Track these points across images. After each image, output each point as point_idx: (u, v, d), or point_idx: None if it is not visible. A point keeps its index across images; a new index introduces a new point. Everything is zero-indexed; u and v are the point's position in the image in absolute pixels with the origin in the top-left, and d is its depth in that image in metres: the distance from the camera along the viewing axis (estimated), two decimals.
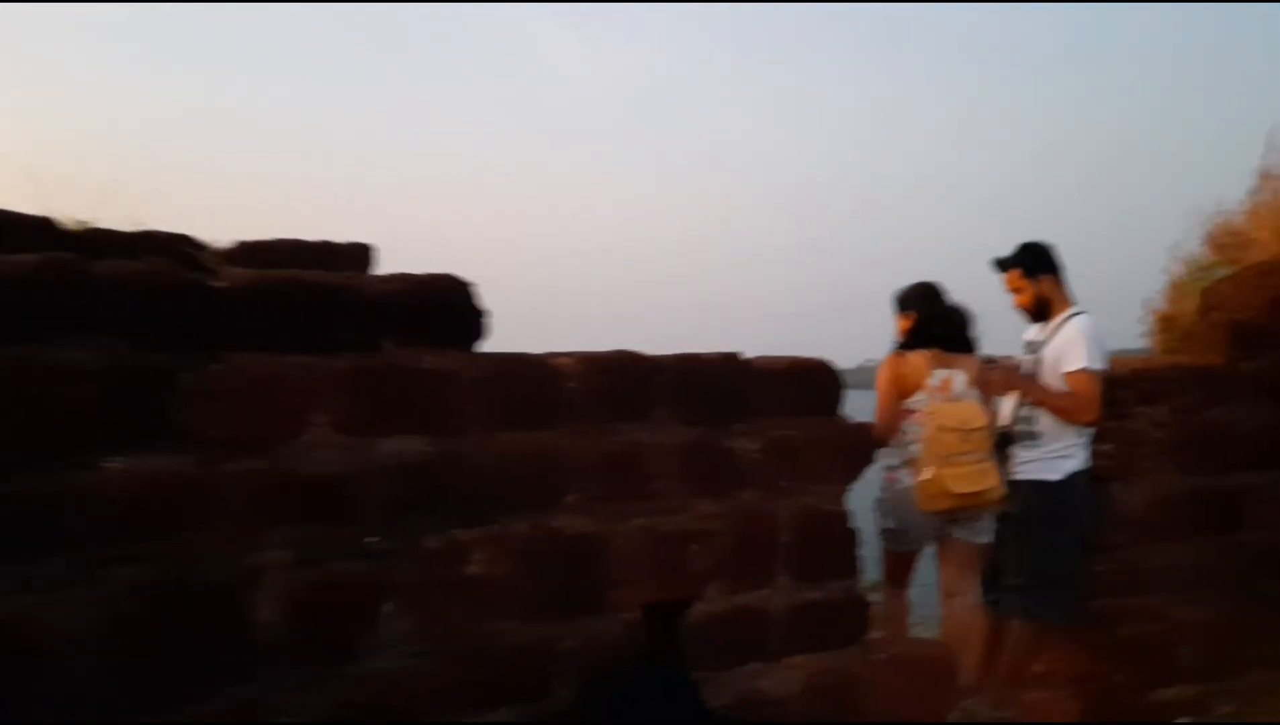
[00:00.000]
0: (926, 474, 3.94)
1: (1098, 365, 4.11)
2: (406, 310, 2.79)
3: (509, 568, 3.00)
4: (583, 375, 3.18)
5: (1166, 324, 5.03)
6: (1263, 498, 4.63)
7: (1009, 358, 4.46)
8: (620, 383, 3.28)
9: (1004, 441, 4.36)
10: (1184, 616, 4.50)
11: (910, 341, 4.19)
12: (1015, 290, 4.42)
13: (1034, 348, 4.37)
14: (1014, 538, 4.26)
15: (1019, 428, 4.30)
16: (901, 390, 4.08)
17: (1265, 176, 5.18)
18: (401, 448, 2.79)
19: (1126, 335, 5.48)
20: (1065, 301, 4.32)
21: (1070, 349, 4.15)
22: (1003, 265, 4.42)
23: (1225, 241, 5.37)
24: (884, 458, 4.17)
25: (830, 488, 3.73)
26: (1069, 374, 4.15)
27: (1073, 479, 4.17)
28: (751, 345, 4.24)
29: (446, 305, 2.89)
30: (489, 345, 3.10)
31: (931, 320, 4.17)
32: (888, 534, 4.19)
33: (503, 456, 2.99)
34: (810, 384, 3.71)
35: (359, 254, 3.27)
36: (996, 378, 4.30)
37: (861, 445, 3.80)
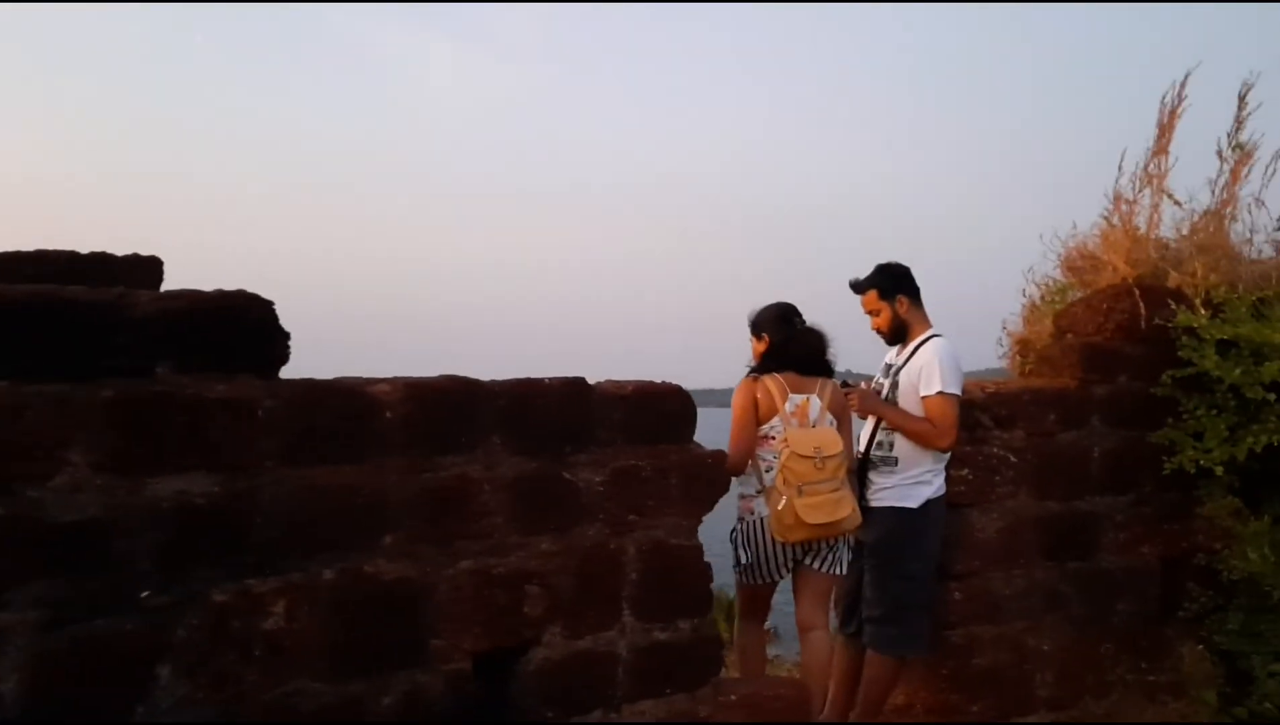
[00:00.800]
0: (780, 503, 3.77)
1: (954, 389, 4.01)
2: (190, 332, 2.46)
3: (313, 620, 2.69)
4: (402, 403, 2.89)
5: (1023, 346, 5.00)
6: (1116, 522, 4.61)
7: (864, 381, 4.34)
8: (446, 411, 3.00)
9: (862, 467, 4.23)
10: (1040, 644, 4.44)
11: (765, 365, 4.02)
12: (872, 312, 4.31)
13: (892, 371, 4.26)
14: (871, 567, 4.12)
15: (876, 453, 4.18)
16: (756, 415, 3.90)
17: (1118, 199, 5.20)
18: (183, 488, 2.45)
19: (988, 357, 5.45)
20: (922, 324, 4.23)
21: (926, 373, 4.05)
22: (859, 287, 4.30)
23: (1079, 264, 5.38)
24: (740, 486, 3.98)
25: (681, 520, 3.51)
26: (925, 398, 4.04)
27: (929, 506, 4.06)
28: (629, 369, 4.01)
29: (240, 326, 2.56)
30: (299, 371, 2.80)
31: (786, 343, 4.01)
32: (742, 567, 4.00)
33: (306, 495, 2.67)
34: (659, 410, 3.49)
35: (144, 268, 2.90)
36: (854, 402, 4.17)
37: (714, 474, 3.60)
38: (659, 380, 3.55)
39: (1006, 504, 4.39)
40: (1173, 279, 4.85)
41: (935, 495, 4.09)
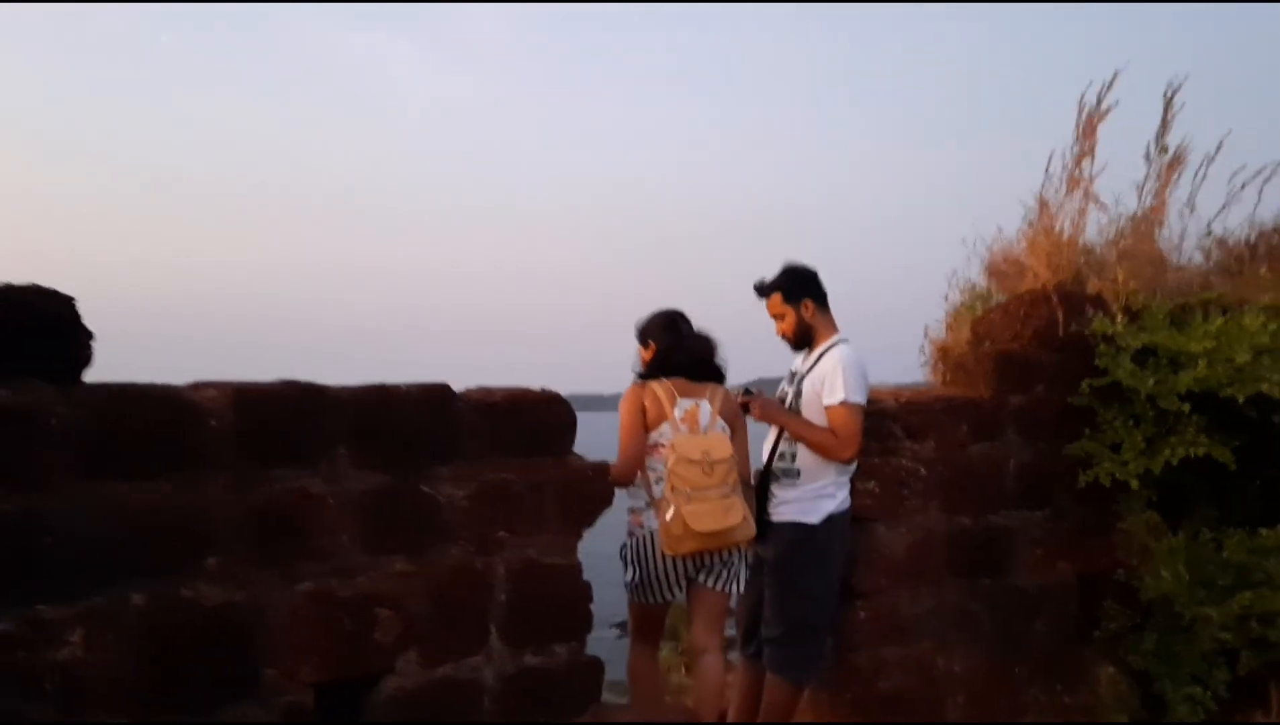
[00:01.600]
0: (669, 513, 3.56)
1: (857, 398, 3.81)
2: None
3: (118, 650, 2.44)
4: (229, 410, 2.64)
5: (943, 354, 4.81)
6: (1032, 538, 4.44)
7: (761, 391, 4.14)
8: (282, 420, 2.76)
9: (764, 480, 4.02)
10: (950, 665, 4.25)
11: (652, 371, 3.80)
12: (776, 316, 4.10)
13: (796, 378, 4.06)
14: (770, 585, 3.91)
15: (778, 465, 3.98)
16: (644, 422, 3.68)
17: (1042, 203, 5.03)
18: None
19: (913, 369, 5.26)
20: (829, 329, 4.02)
21: (830, 381, 3.85)
22: (763, 290, 4.10)
23: (1002, 269, 5.22)
24: (630, 499, 3.76)
25: (557, 537, 3.29)
26: (828, 408, 3.84)
27: (832, 521, 3.86)
28: (530, 376, 3.78)
29: (27, 324, 2.30)
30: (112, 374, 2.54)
31: (672, 349, 3.80)
32: (632, 585, 3.78)
33: (109, 513, 2.42)
34: (534, 419, 3.26)
35: None
36: (755, 410, 3.96)
37: (595, 488, 3.38)
38: (539, 387, 3.34)
39: (915, 519, 4.20)
40: (1093, 285, 4.70)
41: (839, 510, 3.89)
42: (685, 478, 3.54)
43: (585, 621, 3.35)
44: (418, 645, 2.99)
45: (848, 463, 3.86)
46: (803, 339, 4.06)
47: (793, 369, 4.10)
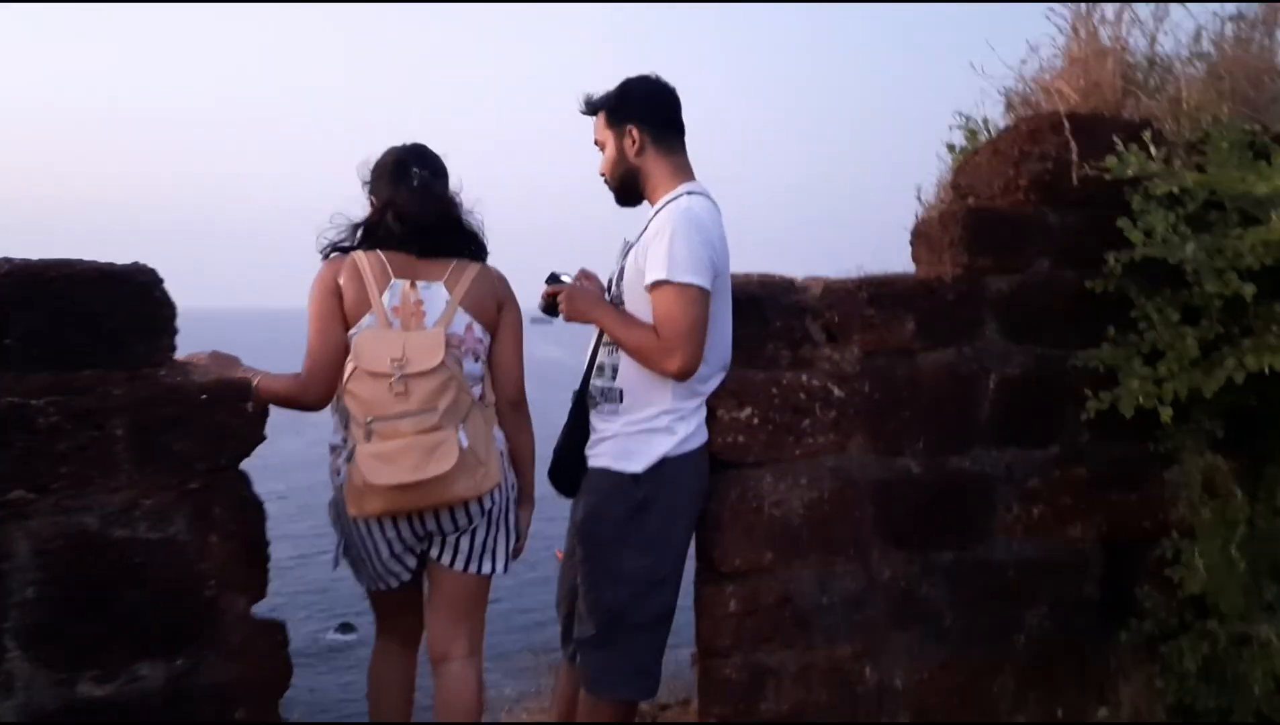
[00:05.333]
0: (346, 456, 2.31)
1: (688, 275, 2.41)
2: None
3: None
4: None
5: (926, 229, 3.30)
6: (1020, 491, 2.96)
7: (587, 279, 2.77)
8: None
9: (579, 407, 2.70)
10: (887, 677, 2.87)
11: (361, 238, 2.48)
12: (600, 149, 2.72)
13: (624, 251, 2.69)
14: (579, 563, 2.62)
15: (596, 384, 2.64)
16: (341, 314, 2.39)
17: (1080, 19, 3.40)
18: None
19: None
20: (670, 177, 2.62)
21: (653, 253, 2.47)
22: (589, 107, 2.71)
23: (1033, 100, 3.60)
24: (331, 433, 2.50)
25: (142, 497, 2.10)
26: (649, 293, 2.47)
27: (666, 468, 2.51)
28: None
29: None
30: None
31: (391, 205, 2.45)
32: (347, 559, 2.55)
33: None
34: (83, 306, 2.05)
35: None
36: (562, 306, 2.62)
37: (216, 416, 2.16)
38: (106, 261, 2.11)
39: (823, 462, 2.79)
40: (1142, 107, 3.09)
41: (681, 450, 2.55)
42: (364, 400, 2.26)
43: (196, 626, 2.17)
44: None
45: (677, 376, 2.49)
46: (626, 186, 2.69)
47: (625, 239, 2.72)
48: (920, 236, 3.10)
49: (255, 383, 2.35)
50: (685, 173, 2.65)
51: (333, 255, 2.46)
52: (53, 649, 2.04)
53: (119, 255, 2.50)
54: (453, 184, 2.59)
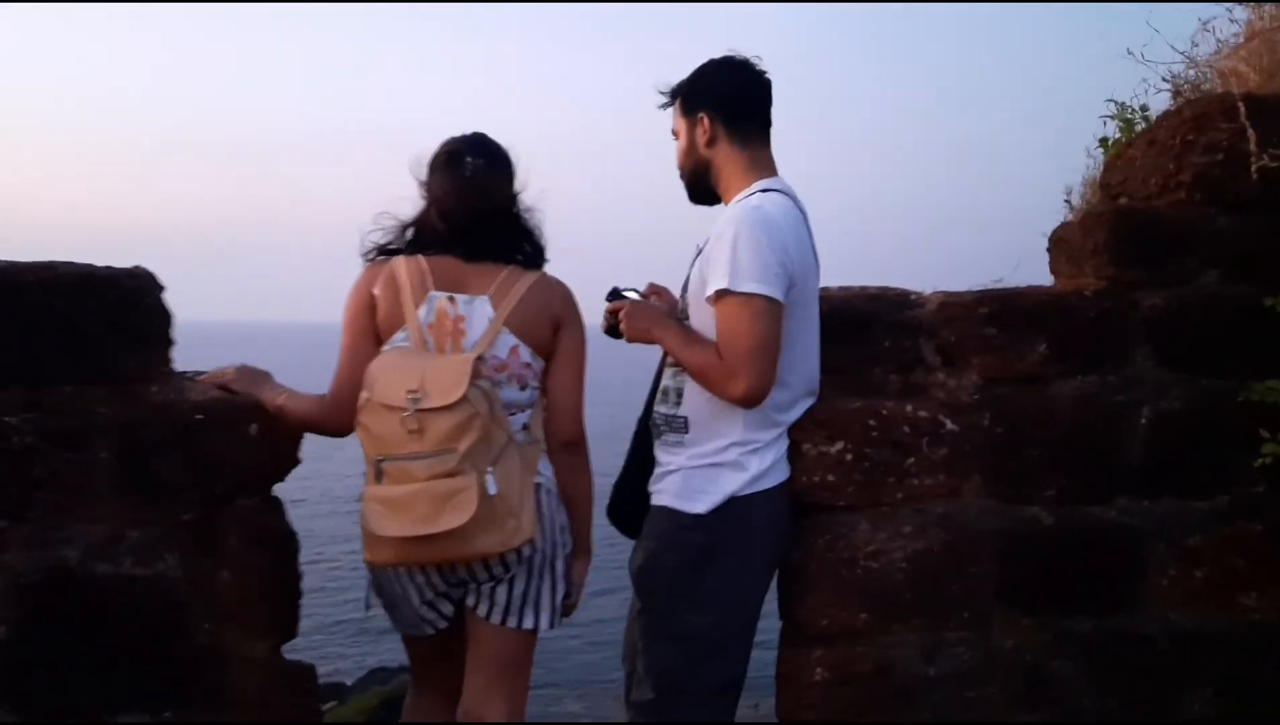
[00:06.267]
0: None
1: (760, 286, 2.04)
2: None
3: None
4: None
5: (1066, 235, 2.82)
6: (1178, 549, 2.44)
7: (658, 293, 2.43)
8: None
9: (641, 436, 2.37)
10: None
11: (408, 242, 2.20)
12: (676, 139, 2.38)
13: (695, 258, 2.33)
14: (638, 616, 2.27)
15: (660, 411, 2.30)
16: (374, 328, 2.13)
17: None
18: None
19: None
20: (745, 173, 2.25)
21: (714, 258, 2.11)
22: (667, 100, 2.38)
23: (1206, 89, 3.07)
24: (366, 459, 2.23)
25: (130, 529, 1.88)
26: (712, 303, 2.11)
27: (732, 510, 2.15)
28: None
29: None
30: None
31: (440, 201, 2.16)
32: (380, 601, 2.27)
33: None
34: (63, 315, 1.85)
35: None
36: (622, 323, 2.29)
37: (225, 435, 1.93)
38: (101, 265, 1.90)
39: (931, 508, 2.36)
40: None
41: (748, 489, 2.18)
42: (375, 436, 1.95)
43: (189, 673, 1.93)
44: None
45: (743, 402, 2.12)
46: (697, 181, 2.35)
47: (698, 246, 2.37)
48: (1059, 245, 2.64)
49: (279, 403, 2.12)
50: (763, 168, 2.28)
51: (378, 258, 2.19)
52: (26, 695, 1.83)
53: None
54: (519, 181, 2.30)
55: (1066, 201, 3.09)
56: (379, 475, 1.94)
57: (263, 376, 2.23)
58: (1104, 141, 3.15)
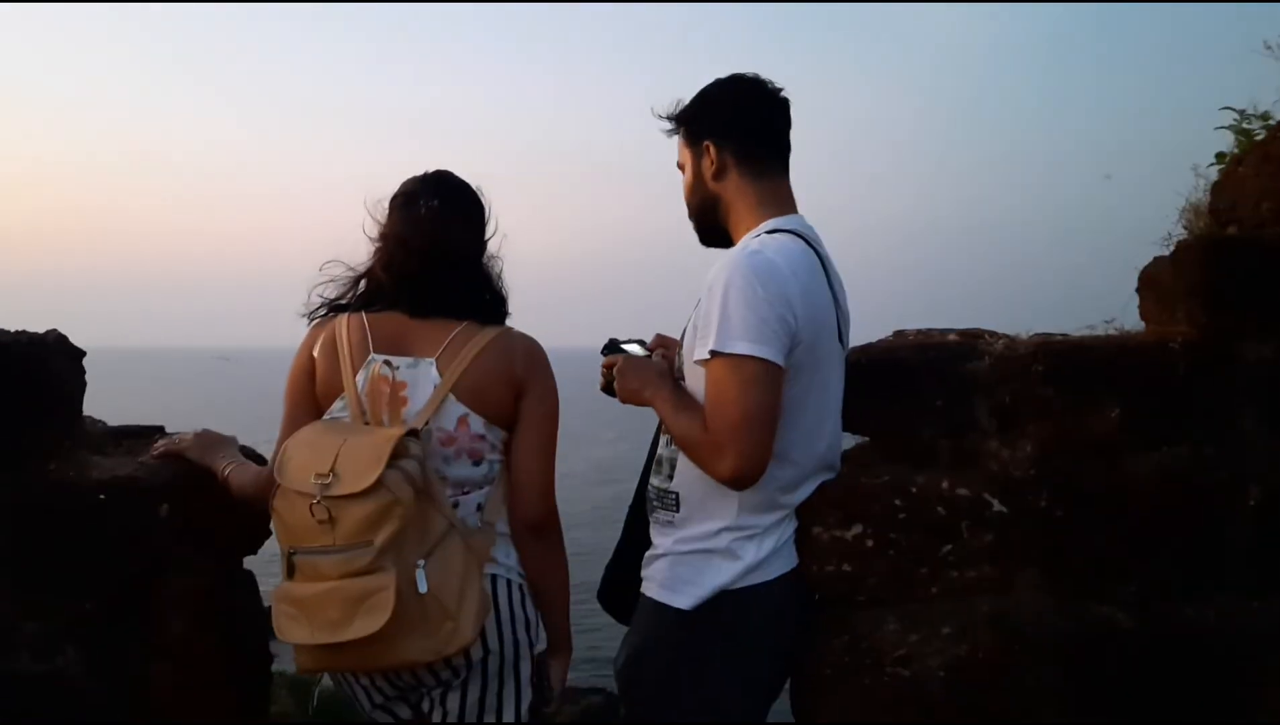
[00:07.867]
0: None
1: (752, 346, 1.72)
2: None
3: None
4: None
5: (1156, 272, 2.36)
6: (1273, 662, 1.97)
7: (664, 348, 2.13)
8: None
9: (635, 514, 2.07)
10: None
11: (355, 297, 1.96)
12: (681, 171, 2.09)
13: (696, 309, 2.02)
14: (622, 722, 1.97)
15: (654, 485, 2.00)
16: (313, 392, 1.90)
17: None
18: None
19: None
20: (755, 207, 1.93)
21: (704, 315, 1.80)
22: (671, 126, 2.09)
23: None
24: None
25: (22, 618, 1.70)
26: (703, 366, 1.80)
27: (723, 606, 1.82)
28: None
29: None
30: None
31: (389, 244, 1.90)
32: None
33: None
34: None
35: None
36: (618, 380, 2.00)
37: (132, 516, 1.74)
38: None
39: (975, 604, 1.97)
40: None
41: (741, 583, 1.85)
42: (286, 524, 1.70)
43: None
44: None
45: (730, 482, 1.79)
46: (705, 218, 2.05)
47: (701, 293, 2.06)
48: (1148, 283, 2.21)
49: (225, 475, 1.93)
50: (777, 204, 1.96)
51: (327, 315, 1.97)
52: None
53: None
54: (490, 226, 2.04)
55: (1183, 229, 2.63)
56: (290, 570, 1.70)
57: (221, 444, 2.05)
58: (1220, 156, 2.68)
